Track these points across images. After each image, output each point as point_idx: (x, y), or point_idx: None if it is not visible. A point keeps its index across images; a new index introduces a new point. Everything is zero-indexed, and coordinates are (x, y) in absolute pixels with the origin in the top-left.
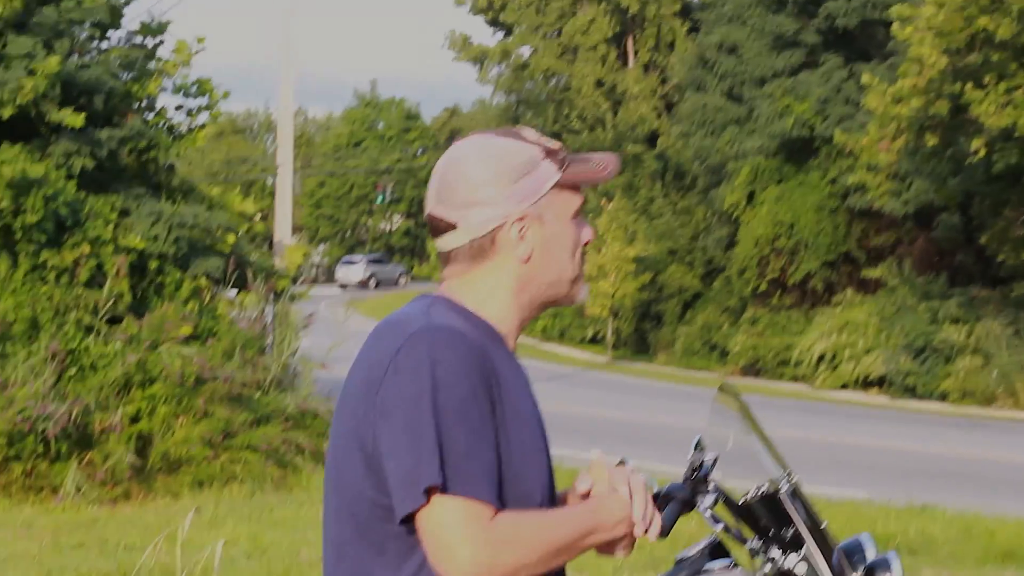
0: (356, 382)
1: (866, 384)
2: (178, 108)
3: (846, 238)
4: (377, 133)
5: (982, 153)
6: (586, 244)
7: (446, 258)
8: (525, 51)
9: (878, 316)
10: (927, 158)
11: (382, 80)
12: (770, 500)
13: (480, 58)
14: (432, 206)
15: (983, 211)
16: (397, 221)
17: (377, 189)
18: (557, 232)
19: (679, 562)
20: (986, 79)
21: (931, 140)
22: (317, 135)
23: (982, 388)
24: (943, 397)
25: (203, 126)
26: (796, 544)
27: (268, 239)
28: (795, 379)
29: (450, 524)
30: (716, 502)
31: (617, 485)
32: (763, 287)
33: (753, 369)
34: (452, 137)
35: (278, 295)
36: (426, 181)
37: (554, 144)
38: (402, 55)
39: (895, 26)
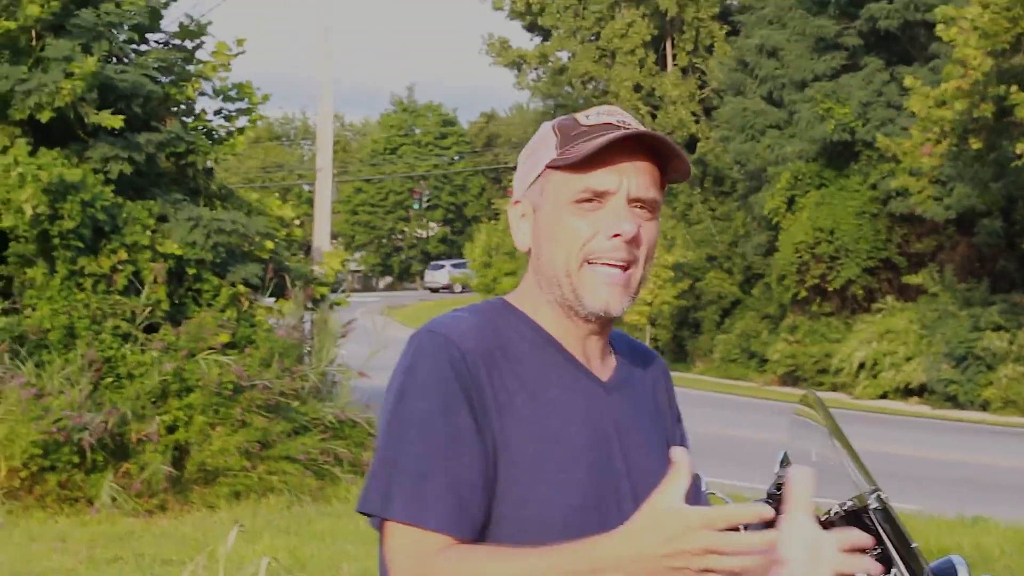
0: None
1: (907, 393)
2: (217, 112)
3: (887, 244)
4: (414, 138)
5: None
6: (615, 237)
7: None
8: (563, 55)
9: (919, 323)
10: (970, 162)
11: (419, 85)
12: (856, 517)
13: (517, 63)
14: None
15: None
16: (434, 228)
17: (413, 195)
18: (547, 220)
19: None
20: None
21: (975, 144)
22: (354, 141)
23: None
24: (984, 406)
25: (242, 130)
26: (883, 565)
27: (304, 246)
28: (834, 388)
29: (393, 555)
30: None
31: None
32: (803, 294)
33: (792, 378)
34: (489, 143)
35: (316, 302)
36: (462, 187)
37: (582, 122)
38: (439, 60)
39: (939, 27)
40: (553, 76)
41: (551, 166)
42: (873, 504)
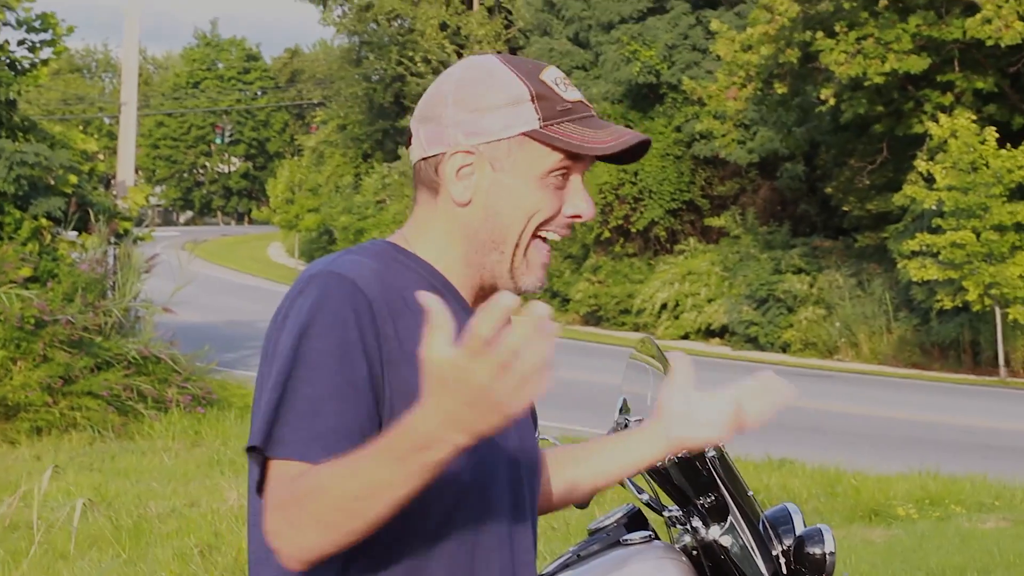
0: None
1: (708, 334)
2: (20, 43)
3: (690, 186)
4: (217, 73)
5: (831, 102)
6: (574, 218)
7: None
8: None
9: (721, 265)
10: (774, 107)
11: (223, 19)
12: (691, 464)
13: None
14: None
15: (828, 161)
16: (235, 163)
17: (216, 130)
18: (510, 186)
19: (592, 533)
20: (837, 27)
21: (780, 88)
22: (156, 74)
23: (824, 339)
24: (785, 348)
25: (46, 62)
26: (719, 513)
27: (105, 179)
28: (636, 328)
29: (268, 491)
30: None
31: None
32: (606, 235)
33: (594, 318)
34: (292, 79)
35: (120, 237)
36: (265, 123)
37: (561, 94)
38: None
39: None
40: (359, 12)
41: (534, 137)
42: (710, 452)
